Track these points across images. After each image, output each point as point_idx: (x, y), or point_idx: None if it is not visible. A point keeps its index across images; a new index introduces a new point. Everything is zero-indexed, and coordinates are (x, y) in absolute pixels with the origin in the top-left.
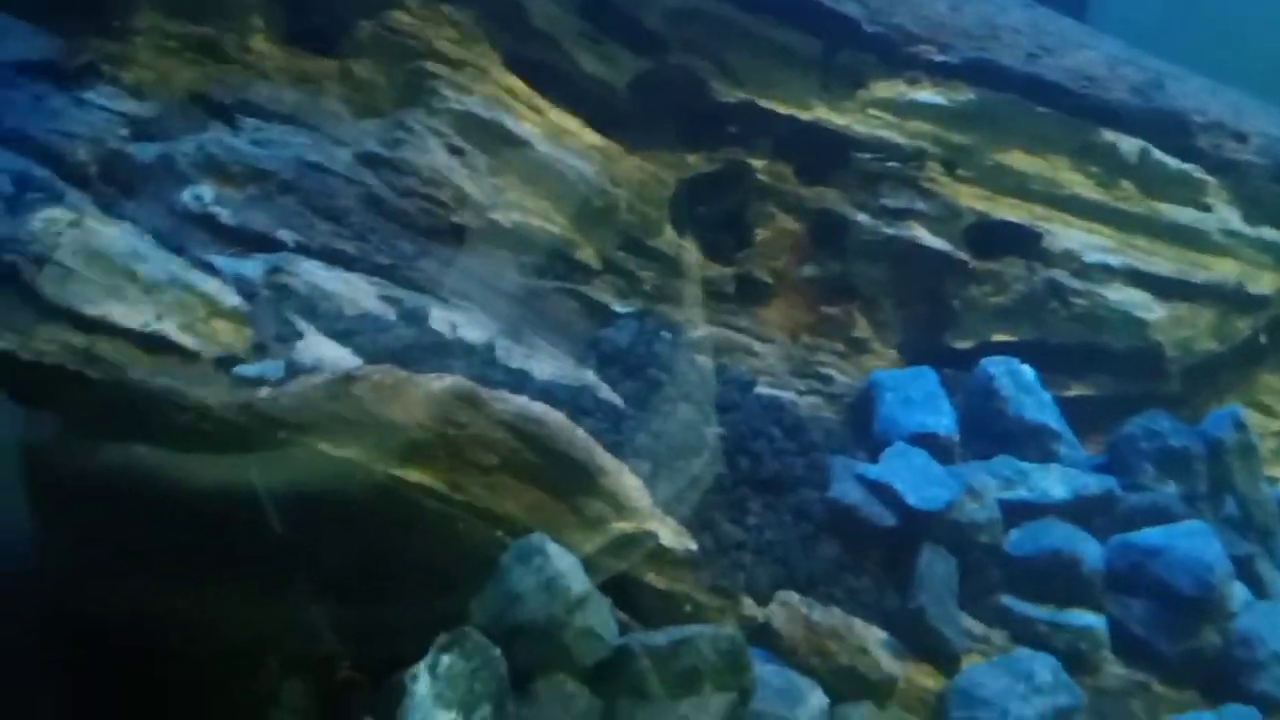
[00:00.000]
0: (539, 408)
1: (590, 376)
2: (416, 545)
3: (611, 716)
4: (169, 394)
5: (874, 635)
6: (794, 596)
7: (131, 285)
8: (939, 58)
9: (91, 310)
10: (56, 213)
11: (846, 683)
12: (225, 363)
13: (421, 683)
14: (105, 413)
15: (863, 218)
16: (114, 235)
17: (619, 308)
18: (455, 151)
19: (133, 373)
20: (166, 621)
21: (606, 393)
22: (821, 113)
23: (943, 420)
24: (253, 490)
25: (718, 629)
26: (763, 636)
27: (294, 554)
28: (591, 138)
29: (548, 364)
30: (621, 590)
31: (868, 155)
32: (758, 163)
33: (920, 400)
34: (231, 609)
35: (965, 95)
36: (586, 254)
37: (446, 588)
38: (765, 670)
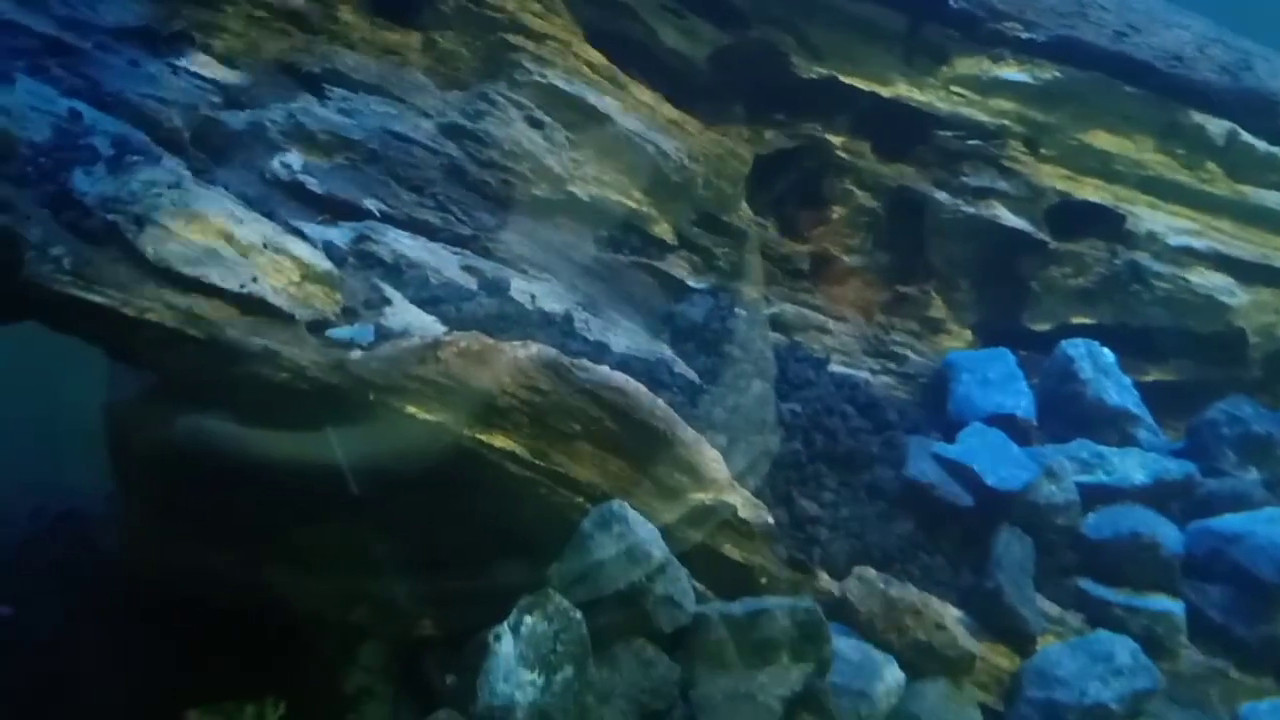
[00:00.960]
0: (620, 377)
1: (665, 350)
2: (498, 510)
3: (690, 683)
4: (265, 354)
5: (950, 613)
6: (870, 572)
7: (228, 247)
8: (1025, 35)
9: (190, 271)
10: (156, 174)
11: (923, 658)
12: (317, 326)
13: (505, 642)
14: (203, 372)
15: (942, 196)
16: (211, 198)
17: (693, 283)
18: (536, 124)
19: (230, 332)
20: (246, 583)
21: (681, 367)
22: (902, 89)
23: (1020, 401)
24: (333, 454)
25: (795, 601)
26: (839, 611)
27: (375, 516)
28: (670, 112)
29: (624, 337)
30: (698, 561)
31: (949, 132)
32: (836, 139)
33: (998, 381)
34: (311, 571)
35: (1050, 73)
36: (662, 229)
37: (527, 552)
38: (842, 644)
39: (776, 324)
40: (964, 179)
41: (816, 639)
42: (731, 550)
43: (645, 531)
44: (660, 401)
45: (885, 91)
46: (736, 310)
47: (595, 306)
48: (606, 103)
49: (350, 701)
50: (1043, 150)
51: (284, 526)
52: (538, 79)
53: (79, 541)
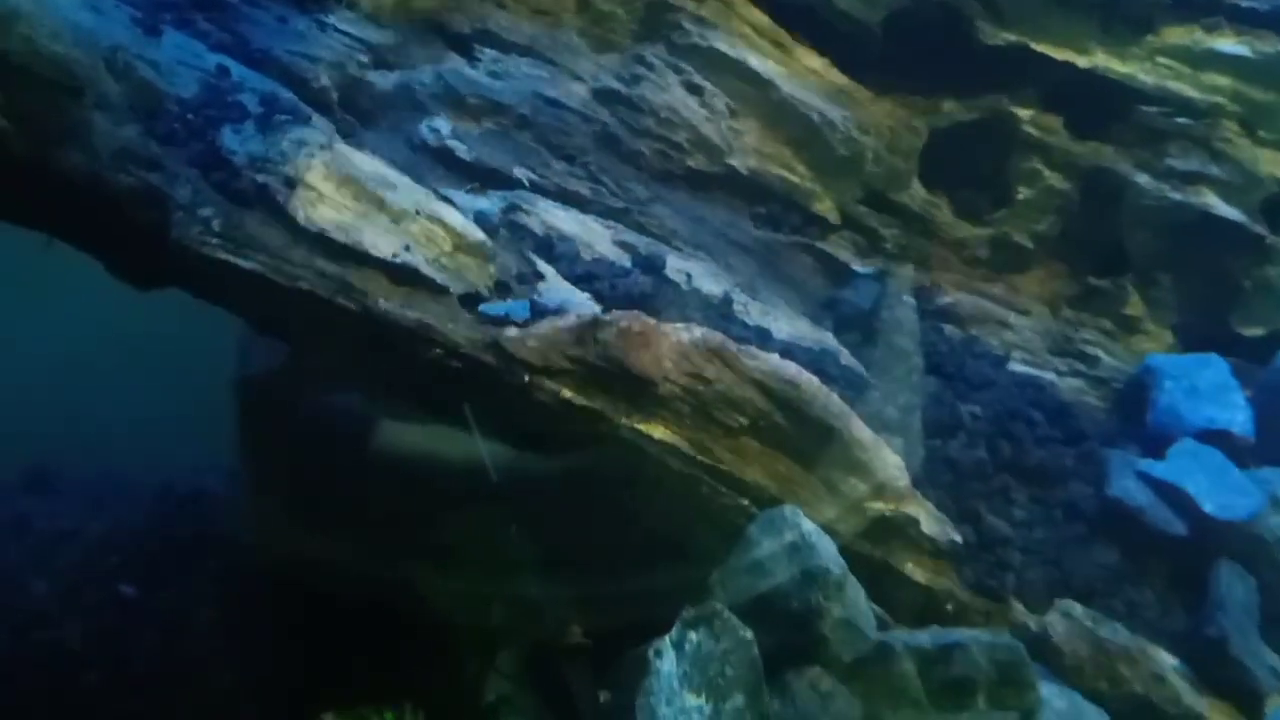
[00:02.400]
0: (792, 368)
1: (830, 339)
2: (655, 508)
3: None
4: (420, 328)
5: (1165, 660)
6: (1076, 607)
7: (381, 213)
8: (1245, 3)
9: (342, 237)
10: (306, 134)
11: (1139, 715)
12: (469, 300)
13: (666, 660)
14: (354, 344)
15: (1143, 179)
16: (364, 160)
17: (858, 267)
18: (694, 90)
19: (384, 304)
20: (378, 575)
21: (848, 358)
22: (1101, 59)
23: (1237, 416)
24: (477, 440)
25: (994, 637)
26: (1039, 650)
27: (522, 510)
28: (839, 79)
29: (785, 323)
30: (874, 580)
31: (1153, 109)
32: (1023, 113)
33: (1208, 392)
34: (449, 567)
35: (1273, 46)
36: (825, 206)
37: (685, 555)
38: (1045, 689)
39: (951, 315)
40: (1169, 162)
41: (1020, 684)
42: (914, 570)
43: (821, 542)
44: (835, 396)
45: (1081, 61)
46: (906, 298)
47: (753, 289)
48: (770, 68)
49: (489, 712)
50: (1261, 133)
51: (421, 517)
52: (697, 41)
53: (205, 523)
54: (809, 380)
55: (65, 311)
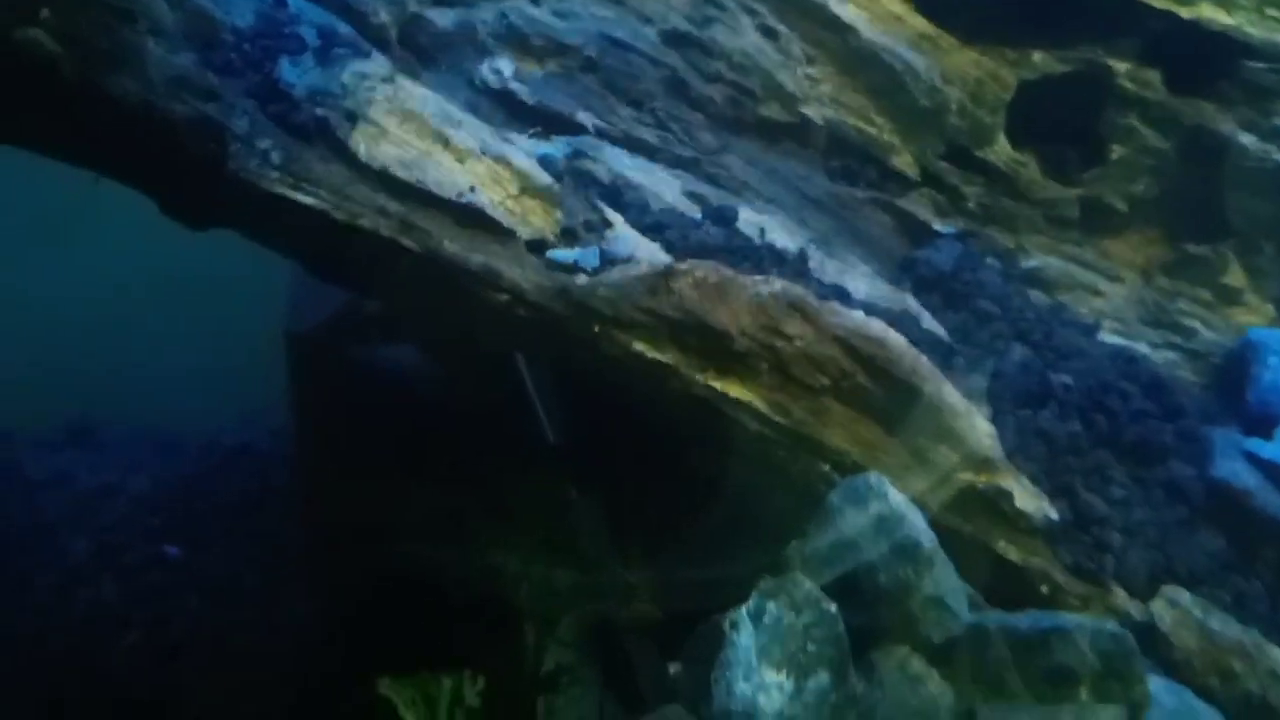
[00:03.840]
0: (878, 325)
1: (910, 301)
2: (729, 472)
3: (969, 713)
4: (486, 273)
5: None
6: (1184, 595)
7: (444, 152)
8: None
9: (405, 175)
10: (367, 68)
11: (1255, 715)
12: (536, 246)
13: (743, 632)
14: (415, 289)
15: (1247, 140)
16: (427, 97)
17: (939, 226)
18: (769, 34)
19: (449, 246)
20: (432, 538)
21: (929, 321)
22: (1205, 10)
23: None
24: (536, 393)
25: (1098, 623)
26: (1143, 639)
27: (586, 471)
28: (922, 25)
29: (862, 282)
30: (964, 557)
31: (1261, 65)
32: (1120, 66)
33: None
34: (508, 529)
35: None
36: (904, 161)
37: (760, 522)
38: (1152, 684)
39: (1037, 280)
40: (1276, 121)
41: (1126, 676)
42: (1006, 548)
43: (910, 513)
44: (924, 358)
45: (1184, 12)
46: (989, 260)
47: (828, 245)
48: (850, 12)
49: (548, 680)
50: None
51: (478, 477)
52: None
53: (251, 480)
54: (896, 339)
55: (110, 265)
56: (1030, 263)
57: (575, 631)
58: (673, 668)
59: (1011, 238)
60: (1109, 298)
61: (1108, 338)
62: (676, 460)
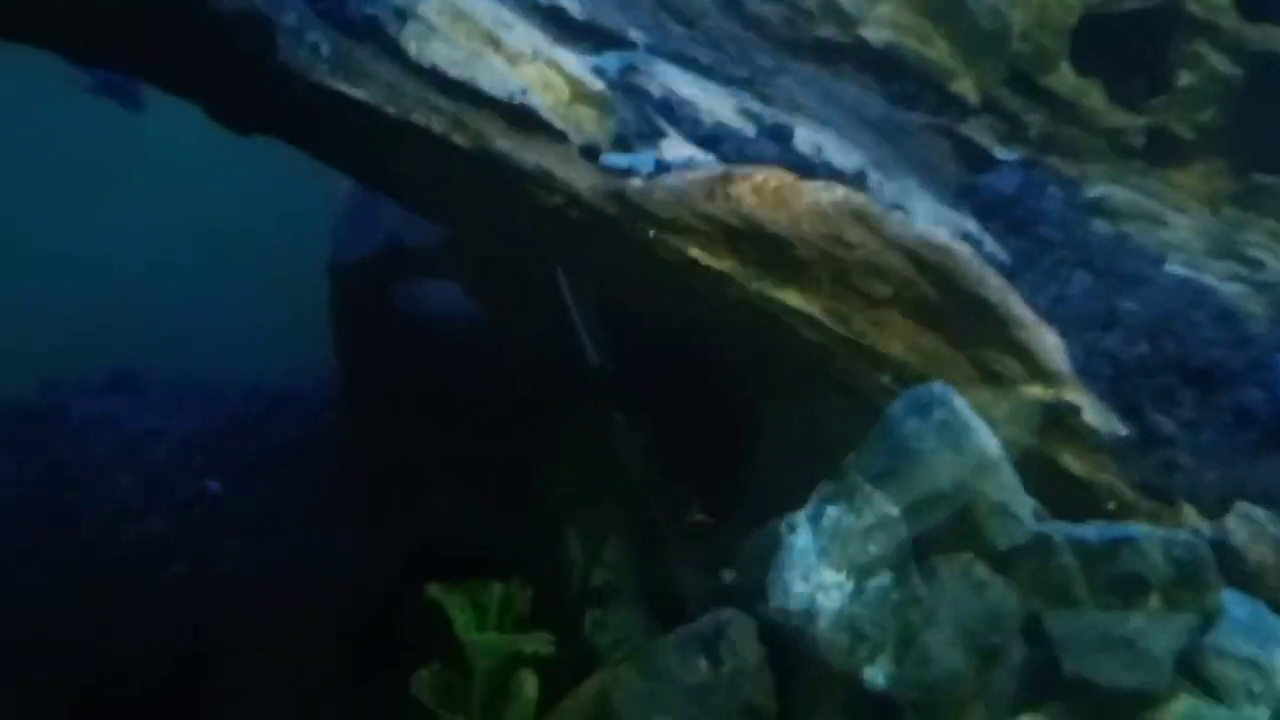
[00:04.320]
0: (944, 234)
1: (972, 225)
2: (786, 383)
3: (1035, 620)
4: (539, 173)
5: None
6: (1258, 511)
7: (496, 54)
8: None
9: (456, 73)
10: None
11: None
12: (589, 153)
13: (801, 535)
14: (466, 190)
15: None
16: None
17: (999, 153)
18: None
19: (501, 144)
20: (478, 462)
21: (992, 245)
22: None
23: None
24: (574, 325)
25: (1171, 532)
26: (1216, 555)
27: (638, 383)
28: None
29: (921, 204)
30: (1028, 471)
31: None
32: None
33: None
34: (559, 454)
35: None
36: (964, 86)
37: (817, 436)
38: (1224, 595)
39: (1100, 209)
40: None
41: (1199, 584)
42: (1072, 462)
43: (976, 422)
44: (991, 269)
45: None
46: (1051, 189)
47: (885, 169)
48: None
49: (596, 595)
50: None
51: (521, 407)
52: None
53: (294, 424)
54: (963, 249)
55: (153, 215)
56: (1093, 192)
57: (620, 548)
58: (726, 575)
59: (1074, 166)
60: (1174, 228)
61: (1173, 269)
62: (729, 381)
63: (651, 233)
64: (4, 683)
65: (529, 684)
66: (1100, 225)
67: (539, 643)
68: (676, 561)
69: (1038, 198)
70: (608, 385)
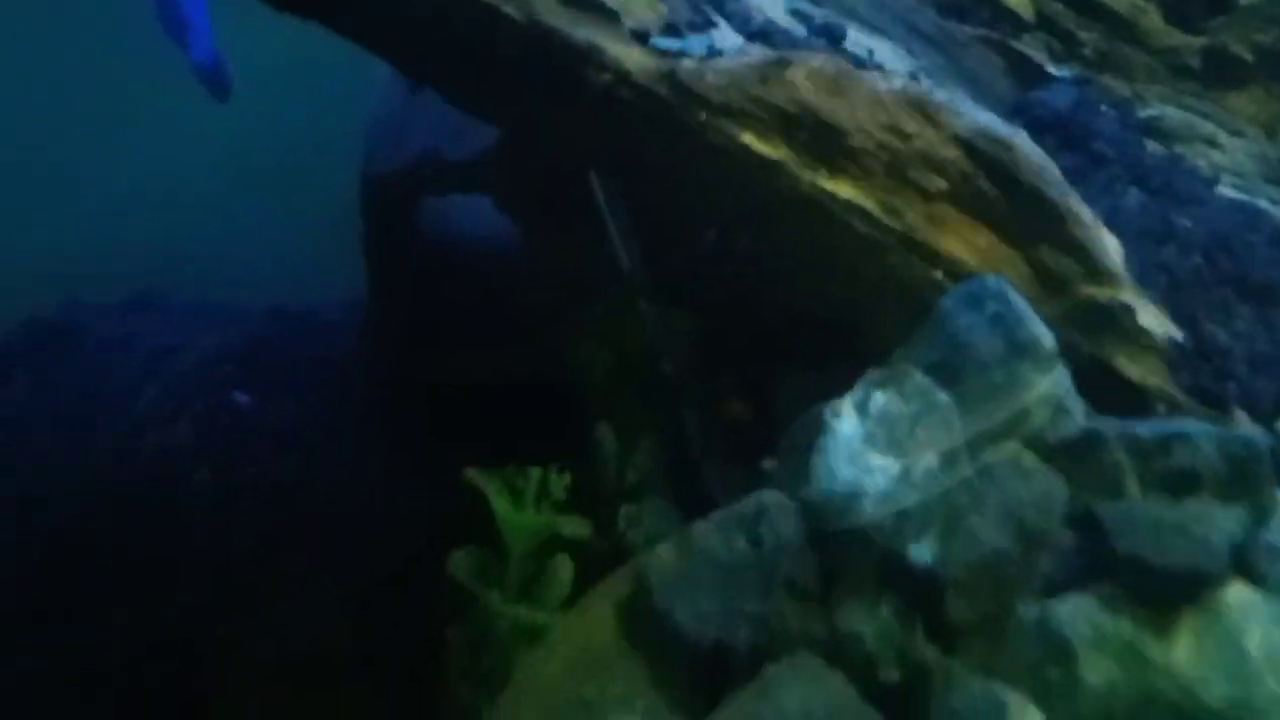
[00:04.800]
0: (1005, 127)
1: (1024, 137)
2: (833, 277)
3: (1085, 510)
4: (590, 49)
5: None
6: None
7: None
8: None
9: None
10: None
11: None
12: (641, 36)
13: (846, 421)
14: (512, 68)
15: None
16: None
17: (1053, 70)
18: None
19: (550, 18)
20: (509, 368)
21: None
22: None
23: None
24: (608, 228)
25: (1225, 429)
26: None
27: (666, 293)
28: None
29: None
30: (1081, 374)
31: None
32: None
33: None
34: (580, 353)
35: None
36: (1018, 1)
37: (863, 327)
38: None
39: (1154, 130)
40: None
41: (1253, 481)
42: (1125, 365)
43: (1031, 316)
44: (1053, 164)
45: None
46: (1105, 108)
47: (938, 79)
48: None
49: (630, 493)
50: None
51: (553, 311)
52: None
53: (318, 344)
54: (1025, 142)
55: (178, 140)
56: (1148, 112)
57: (654, 445)
58: (766, 464)
59: (1128, 86)
60: (1229, 152)
61: (1227, 192)
62: (781, 263)
63: (703, 116)
64: (32, 588)
65: (565, 567)
66: (1154, 147)
67: (576, 525)
68: (711, 458)
69: (1091, 115)
70: (644, 287)
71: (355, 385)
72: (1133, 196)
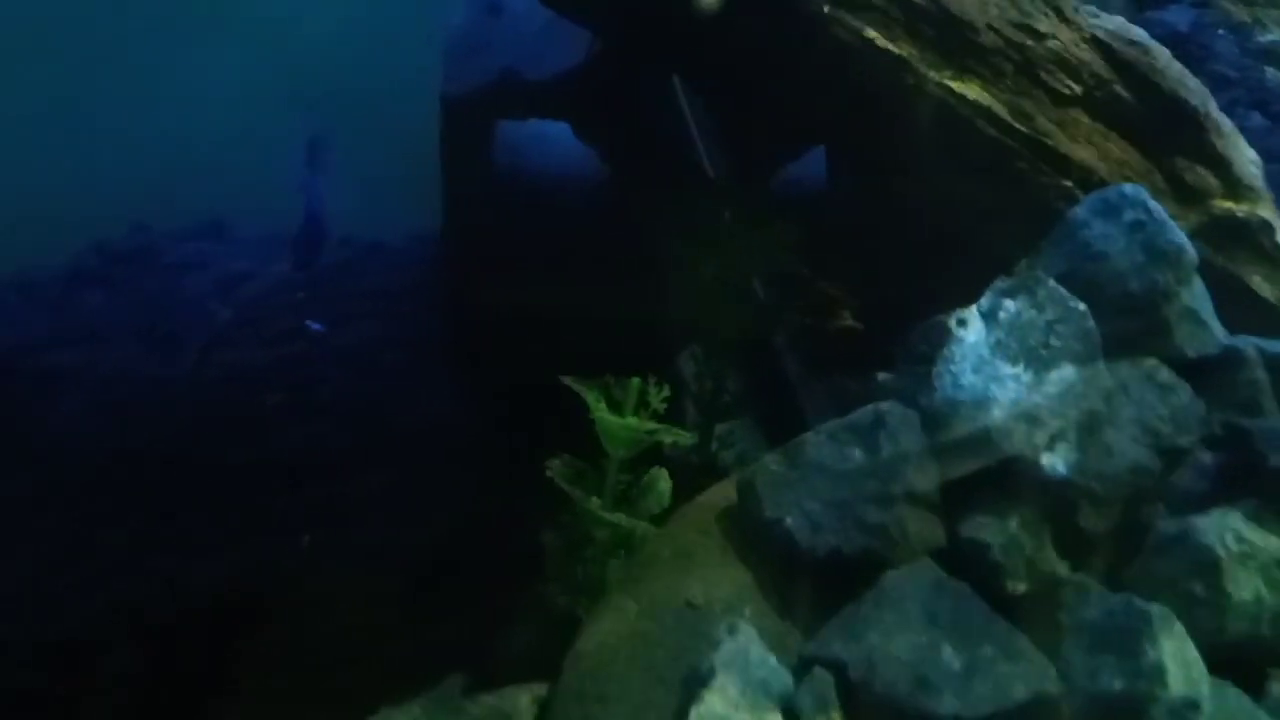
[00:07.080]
0: (1141, 32)
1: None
2: (960, 184)
3: (1226, 426)
4: None
5: None
6: None
7: None
8: None
9: None
10: None
11: None
12: None
13: (973, 329)
14: None
15: None
16: None
17: None
18: None
19: None
20: (584, 296)
21: None
22: None
23: None
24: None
25: None
26: None
27: (764, 201)
28: None
29: None
30: (1215, 290)
31: None
32: None
33: None
34: (668, 270)
35: None
36: None
37: (991, 243)
38: None
39: (1273, 56)
40: None
41: None
42: (1261, 284)
43: (1172, 224)
44: (1190, 73)
45: None
46: (1221, 32)
47: None
48: None
49: (723, 410)
50: None
51: (640, 240)
52: None
53: (388, 272)
54: (1162, 50)
55: (254, 68)
56: (1267, 37)
57: (749, 365)
58: (881, 375)
59: (1247, 11)
60: None
61: None
62: (904, 168)
63: (826, 8)
64: (111, 493)
65: (663, 479)
66: (1273, 73)
67: (676, 434)
68: (814, 371)
69: (1210, 37)
70: (734, 199)
71: (427, 312)
72: (1256, 119)
